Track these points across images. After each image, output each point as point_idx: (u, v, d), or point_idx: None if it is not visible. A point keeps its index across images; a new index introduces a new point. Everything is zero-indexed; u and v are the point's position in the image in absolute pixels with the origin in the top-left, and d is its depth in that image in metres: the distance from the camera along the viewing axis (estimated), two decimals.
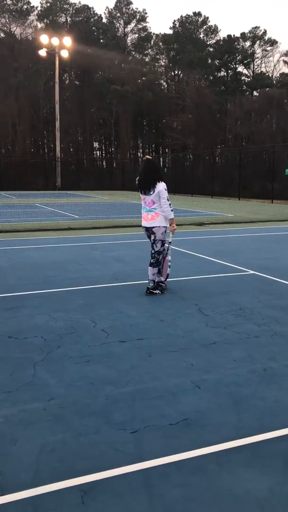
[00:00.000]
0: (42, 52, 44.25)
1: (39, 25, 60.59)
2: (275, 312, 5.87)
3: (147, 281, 6.87)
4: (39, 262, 9.12)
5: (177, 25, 65.03)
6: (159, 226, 6.68)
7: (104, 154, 68.12)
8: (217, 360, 4.39)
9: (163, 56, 66.89)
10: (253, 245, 11.55)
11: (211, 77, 63.73)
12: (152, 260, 6.77)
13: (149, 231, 6.78)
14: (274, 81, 62.72)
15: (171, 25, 65.69)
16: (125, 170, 52.09)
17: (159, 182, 6.62)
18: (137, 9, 64.76)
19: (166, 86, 66.94)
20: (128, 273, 8.15)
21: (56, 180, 45.26)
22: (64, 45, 44.23)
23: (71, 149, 63.37)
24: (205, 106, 54.29)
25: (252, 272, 8.27)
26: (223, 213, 19.94)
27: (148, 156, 7.13)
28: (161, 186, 6.62)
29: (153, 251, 6.78)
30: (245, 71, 65.61)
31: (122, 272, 8.17)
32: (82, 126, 62.37)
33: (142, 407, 3.51)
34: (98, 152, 69.67)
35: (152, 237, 6.76)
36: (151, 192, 6.62)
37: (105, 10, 65.75)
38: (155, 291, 6.72)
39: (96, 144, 68.76)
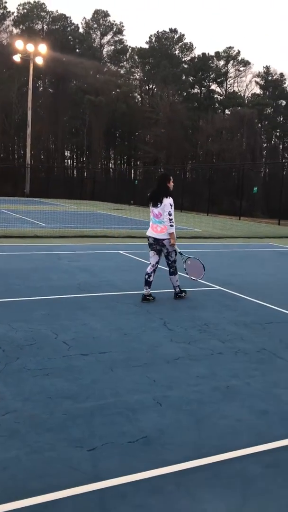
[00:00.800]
0: (17, 58, 43.86)
1: (15, 31, 60.23)
2: (239, 329, 5.88)
3: (144, 291, 7.08)
4: (1, 270, 8.89)
5: (153, 40, 65.87)
6: (168, 239, 6.99)
7: (75, 163, 67.85)
8: (180, 376, 4.33)
9: (138, 69, 67.53)
10: (220, 260, 11.64)
11: (185, 93, 64.68)
12: (171, 270, 7.17)
13: (159, 243, 7.06)
14: (246, 101, 64.23)
15: (147, 39, 66.46)
16: (96, 180, 51.99)
17: (166, 197, 6.93)
18: (114, 21, 65.12)
19: (140, 99, 67.47)
20: (94, 283, 8.04)
21: (25, 187, 44.68)
22: (39, 52, 44.00)
23: (42, 157, 62.86)
24: (178, 121, 54.98)
25: (218, 287, 8.29)
26: (191, 228, 20.07)
27: (165, 171, 7.50)
28: (167, 201, 6.92)
29: (169, 262, 7.14)
30: (218, 89, 66.98)
31: (87, 283, 8.05)
32: (54, 133, 61.99)
33: (101, 423, 3.41)
34: (69, 160, 69.33)
35: (165, 251, 7.10)
36: (159, 205, 6.96)
37: (82, 20, 65.90)
38: (181, 294, 7.30)
39: (67, 153, 68.45)
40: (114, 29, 64.87)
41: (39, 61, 44.38)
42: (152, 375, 4.31)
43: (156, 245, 7.10)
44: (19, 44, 43.39)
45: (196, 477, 2.84)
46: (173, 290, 7.34)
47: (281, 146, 67.94)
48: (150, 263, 7.22)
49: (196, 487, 2.74)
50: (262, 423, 3.54)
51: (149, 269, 7.15)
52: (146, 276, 7.08)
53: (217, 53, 64.49)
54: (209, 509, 2.56)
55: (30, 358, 4.56)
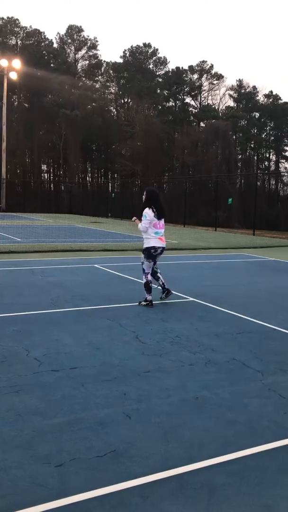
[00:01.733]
0: None
1: None
2: (211, 340, 5.96)
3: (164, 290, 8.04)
4: None
5: (127, 55, 66.66)
6: None
7: (52, 177, 67.77)
8: (150, 389, 4.37)
9: (113, 83, 68.16)
10: (195, 272, 11.76)
11: (160, 107, 65.47)
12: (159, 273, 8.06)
13: (162, 252, 7.96)
14: (220, 114, 65.29)
15: (122, 54, 67.29)
16: (73, 193, 51.98)
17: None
18: (88, 36, 65.71)
19: (115, 112, 68.00)
20: (68, 299, 8.04)
21: (0, 202, 44.40)
22: (13, 67, 44.09)
23: (18, 171, 62.64)
24: (154, 134, 55.55)
25: (191, 299, 8.38)
26: (168, 240, 20.17)
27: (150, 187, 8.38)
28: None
29: (156, 267, 8.06)
30: (192, 103, 67.98)
31: (61, 298, 8.05)
32: (30, 148, 61.94)
33: (70, 439, 3.42)
34: (46, 174, 69.25)
35: (158, 258, 8.03)
36: (163, 218, 7.91)
37: (56, 35, 66.24)
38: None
39: (44, 167, 68.38)
40: (88, 44, 65.49)
41: (14, 76, 44.46)
42: (122, 388, 4.34)
43: (160, 253, 7.95)
44: None
45: (162, 489, 2.87)
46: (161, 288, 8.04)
47: (255, 158, 69.15)
48: (149, 272, 7.90)
49: (162, 499, 2.78)
50: (229, 432, 3.60)
51: (150, 277, 7.88)
52: (151, 284, 7.83)
53: (190, 67, 65.62)
54: None
55: (0, 375, 4.54)
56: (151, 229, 7.77)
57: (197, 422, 3.75)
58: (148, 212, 7.67)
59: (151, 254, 7.82)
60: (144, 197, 7.85)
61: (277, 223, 35.19)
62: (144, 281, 7.87)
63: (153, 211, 7.70)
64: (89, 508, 2.67)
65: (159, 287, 8.09)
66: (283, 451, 3.36)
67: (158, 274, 8.04)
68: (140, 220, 7.85)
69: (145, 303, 7.72)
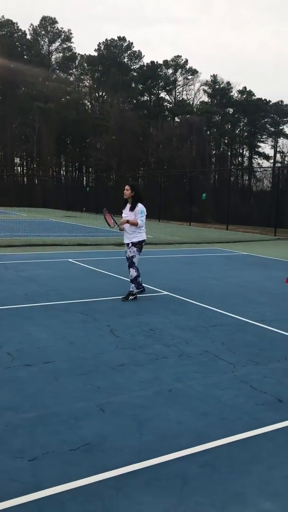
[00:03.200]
0: None
1: None
2: (185, 333, 6.01)
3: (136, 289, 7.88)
4: None
5: (102, 48, 66.09)
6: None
7: (25, 170, 66.88)
8: (124, 382, 4.39)
9: (88, 77, 67.56)
10: (169, 266, 11.82)
11: (135, 101, 65.24)
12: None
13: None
14: (195, 109, 65.47)
15: (96, 47, 66.64)
16: (46, 187, 51.43)
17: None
18: (62, 28, 64.82)
19: (90, 106, 67.46)
20: (41, 293, 7.98)
21: None
22: None
23: None
24: (128, 128, 55.31)
25: (165, 292, 8.43)
26: None
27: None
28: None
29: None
30: (167, 97, 67.94)
31: (34, 292, 7.99)
32: (2, 141, 60.91)
33: (43, 433, 3.41)
34: (19, 168, 68.29)
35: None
36: None
37: (30, 26, 65.04)
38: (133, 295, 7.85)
39: (17, 160, 67.39)
40: (62, 36, 64.65)
41: None
42: (96, 382, 4.35)
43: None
44: None
45: (135, 481, 2.90)
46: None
47: (229, 153, 69.71)
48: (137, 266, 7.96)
49: (135, 490, 2.80)
50: (201, 424, 3.65)
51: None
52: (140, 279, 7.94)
53: (165, 61, 65.50)
54: (146, 510, 2.62)
55: None
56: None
57: (171, 414, 3.79)
58: (143, 208, 7.88)
59: (142, 247, 8.06)
60: (129, 192, 7.83)
61: (249, 218, 35.60)
62: (134, 274, 7.84)
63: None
64: (62, 501, 2.67)
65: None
66: (254, 441, 3.43)
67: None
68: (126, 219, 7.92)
69: (133, 297, 7.73)
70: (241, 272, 11.19)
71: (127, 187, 7.85)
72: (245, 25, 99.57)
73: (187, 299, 7.96)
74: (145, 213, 7.93)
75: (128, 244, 8.00)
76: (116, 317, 6.68)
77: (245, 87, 67.84)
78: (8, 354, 4.99)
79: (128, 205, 7.87)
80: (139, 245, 7.96)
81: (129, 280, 7.93)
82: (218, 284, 9.54)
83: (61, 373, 4.54)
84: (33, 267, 10.70)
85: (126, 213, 7.88)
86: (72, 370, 4.63)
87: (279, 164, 63.47)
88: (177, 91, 67.50)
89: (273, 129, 68.70)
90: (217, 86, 67.58)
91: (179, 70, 66.10)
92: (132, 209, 7.77)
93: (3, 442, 3.26)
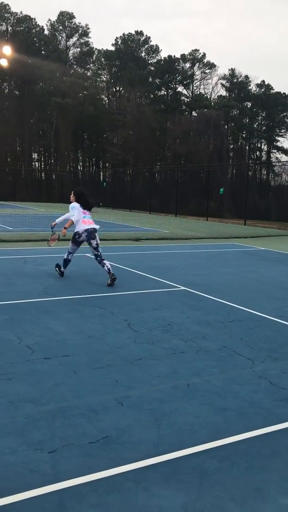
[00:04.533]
0: None
1: None
2: (202, 328, 6.00)
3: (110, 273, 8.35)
4: None
5: (119, 42, 65.93)
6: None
7: (43, 166, 67.26)
8: (142, 376, 4.41)
9: (105, 71, 67.49)
10: (186, 261, 11.79)
11: (152, 95, 65.00)
12: (102, 257, 8.53)
13: (94, 233, 8.57)
14: (212, 103, 64.98)
15: (113, 42, 66.47)
16: (64, 182, 51.66)
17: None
18: (79, 23, 64.74)
19: (107, 101, 67.44)
20: (59, 287, 8.04)
21: None
22: (4, 54, 43.45)
23: (9, 159, 62.07)
24: (145, 123, 55.19)
25: (183, 288, 8.42)
26: (159, 229, 20.23)
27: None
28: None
29: (99, 253, 8.54)
30: (184, 92, 67.54)
31: (53, 286, 8.05)
32: (21, 136, 61.30)
33: (62, 425, 3.45)
34: (37, 163, 68.70)
35: (95, 242, 8.53)
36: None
37: (47, 22, 65.11)
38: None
39: (35, 155, 67.79)
40: (80, 31, 64.60)
41: (4, 63, 43.85)
42: (114, 376, 4.37)
43: (91, 235, 8.54)
44: None
45: (153, 474, 2.91)
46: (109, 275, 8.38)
47: (247, 147, 69.10)
48: (72, 253, 8.84)
49: (153, 484, 2.82)
50: (220, 419, 3.65)
51: (71, 257, 8.90)
52: (69, 263, 8.87)
53: (182, 55, 65.08)
54: (165, 504, 2.64)
55: None
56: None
57: (189, 408, 3.80)
58: (73, 204, 8.77)
59: (76, 239, 8.70)
60: (72, 197, 8.97)
61: (268, 213, 35.26)
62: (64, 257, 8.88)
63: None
64: (82, 493, 2.70)
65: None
66: (273, 437, 3.41)
67: (104, 261, 8.48)
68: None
69: (58, 271, 8.89)
70: (259, 268, 11.11)
71: (72, 193, 9.06)
72: (264, 17, 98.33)
73: (204, 294, 7.93)
74: (75, 208, 8.68)
75: None
76: (133, 311, 6.69)
77: (263, 81, 67.10)
78: (27, 347, 5.05)
79: None
80: (73, 236, 8.77)
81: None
82: (236, 279, 9.49)
83: (80, 366, 4.57)
84: (51, 261, 10.76)
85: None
86: (90, 363, 4.66)
87: None
88: (194, 85, 67.08)
89: None
90: (235, 80, 66.95)
91: (197, 64, 65.62)
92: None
93: (23, 434, 3.30)
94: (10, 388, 4.03)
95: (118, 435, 3.35)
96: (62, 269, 8.89)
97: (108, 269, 8.37)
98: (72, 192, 9.09)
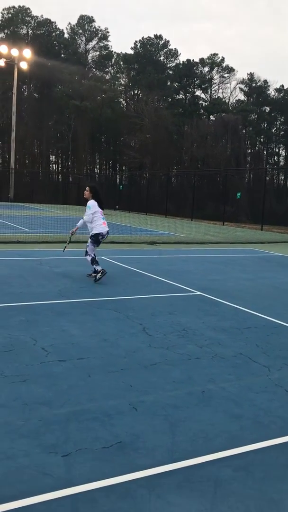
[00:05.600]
0: (1, 63, 43.76)
1: None
2: (218, 334, 5.95)
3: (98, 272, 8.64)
4: None
5: (138, 46, 66.17)
6: None
7: (60, 168, 67.71)
8: (157, 381, 4.38)
9: (123, 75, 67.77)
10: (202, 266, 11.73)
11: (170, 99, 65.06)
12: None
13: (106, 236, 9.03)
14: (230, 107, 64.78)
15: (132, 45, 66.74)
16: (80, 185, 51.90)
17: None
18: (99, 27, 65.24)
19: (125, 104, 67.69)
20: (75, 289, 8.05)
21: (9, 192, 44.47)
22: (24, 56, 43.96)
23: (27, 161, 62.63)
24: (163, 127, 55.25)
25: (198, 293, 8.37)
26: (175, 233, 20.19)
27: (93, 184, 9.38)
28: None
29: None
30: (202, 96, 67.48)
31: (68, 289, 8.06)
32: (39, 138, 61.86)
33: (76, 429, 3.43)
34: (54, 165, 69.20)
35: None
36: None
37: (67, 25, 65.99)
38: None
39: (52, 158, 68.30)
40: (99, 34, 65.07)
41: (24, 66, 44.35)
42: (128, 380, 4.35)
43: (103, 238, 9.04)
44: (3, 48, 43.30)
45: (167, 481, 2.88)
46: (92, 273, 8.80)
47: (265, 152, 68.68)
48: (94, 253, 8.91)
49: (167, 491, 2.78)
50: (235, 427, 3.60)
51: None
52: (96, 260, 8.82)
53: (201, 59, 65.04)
54: None
55: (8, 364, 4.57)
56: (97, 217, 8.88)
57: (203, 415, 3.75)
58: (91, 203, 8.79)
59: (97, 239, 8.94)
60: (87, 193, 8.91)
61: (285, 218, 34.95)
62: (89, 258, 8.79)
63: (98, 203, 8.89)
64: (94, 498, 2.68)
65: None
66: None
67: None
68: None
69: (100, 275, 8.53)
70: (276, 274, 11.00)
71: (86, 188, 8.94)
72: (285, 21, 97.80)
73: (220, 300, 7.87)
74: (93, 209, 8.76)
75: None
76: (148, 315, 6.67)
77: (282, 85, 66.69)
78: (42, 349, 5.05)
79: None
80: (94, 237, 8.89)
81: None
82: (252, 285, 9.40)
83: (94, 369, 4.56)
84: (67, 263, 10.82)
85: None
86: (105, 367, 4.64)
87: None
88: (212, 89, 66.99)
89: None
90: (253, 85, 66.64)
91: (215, 68, 65.52)
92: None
93: (37, 437, 3.30)
94: (25, 390, 4.04)
95: (132, 440, 3.32)
96: (98, 267, 8.66)
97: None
98: (88, 188, 8.96)
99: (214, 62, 64.97)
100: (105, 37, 65.23)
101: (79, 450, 3.16)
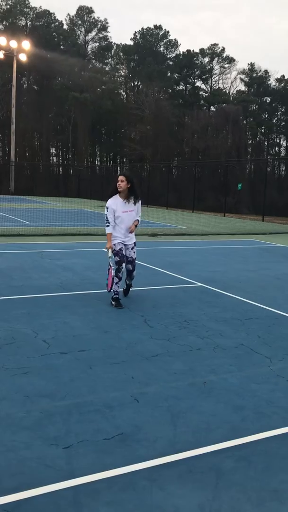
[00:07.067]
0: (0, 54, 43.46)
1: None
2: (219, 325, 5.94)
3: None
4: None
5: (138, 37, 65.67)
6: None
7: (61, 161, 67.51)
8: (158, 372, 4.37)
9: (123, 66, 67.31)
10: (203, 257, 11.70)
11: (170, 90, 64.66)
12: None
13: None
14: (231, 98, 64.39)
15: (132, 36, 66.25)
16: (81, 177, 51.81)
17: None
18: (98, 18, 64.70)
19: (125, 96, 67.32)
20: (76, 282, 8.04)
21: (9, 184, 44.37)
22: (23, 48, 43.63)
23: (27, 154, 62.43)
24: (163, 118, 54.97)
25: (199, 284, 8.35)
26: (176, 225, 20.14)
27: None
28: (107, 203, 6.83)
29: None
30: (203, 86, 67.05)
31: (69, 281, 8.05)
32: (39, 131, 61.60)
33: (78, 421, 3.43)
34: (55, 158, 68.98)
35: None
36: None
37: (66, 17, 65.44)
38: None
39: (53, 150, 68.08)
40: (99, 25, 64.53)
41: (23, 57, 44.03)
42: (130, 372, 4.34)
43: None
44: (2, 40, 42.95)
45: (169, 473, 2.88)
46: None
47: (266, 143, 68.35)
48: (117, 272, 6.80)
49: (169, 482, 2.78)
50: (237, 418, 3.60)
51: None
52: None
53: (201, 50, 64.56)
54: (180, 504, 2.60)
55: (9, 357, 4.56)
56: None
57: (205, 406, 3.75)
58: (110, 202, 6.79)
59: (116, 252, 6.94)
60: (124, 183, 6.69)
61: (286, 209, 34.87)
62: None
63: None
64: (96, 490, 2.68)
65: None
66: None
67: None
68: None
69: (113, 302, 6.68)
70: (277, 265, 10.97)
71: (121, 177, 6.70)
72: (286, 11, 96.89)
73: (221, 291, 7.86)
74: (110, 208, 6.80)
75: (131, 245, 6.85)
76: (149, 307, 6.66)
77: (283, 75, 66.20)
78: (44, 341, 5.05)
79: (124, 200, 6.73)
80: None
81: (130, 283, 7.06)
82: (254, 276, 9.38)
83: (96, 361, 4.56)
84: (68, 256, 10.80)
85: (126, 209, 6.71)
86: (106, 359, 4.64)
87: None
88: (213, 80, 66.55)
89: None
90: (254, 75, 66.17)
91: (216, 59, 65.06)
92: (135, 202, 6.79)
93: (38, 429, 3.30)
94: (26, 382, 4.03)
95: (134, 432, 3.32)
96: (115, 289, 6.65)
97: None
98: (125, 178, 6.75)
99: (214, 52, 64.50)
100: (104, 28, 64.75)
101: (80, 442, 3.16)
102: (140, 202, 6.90)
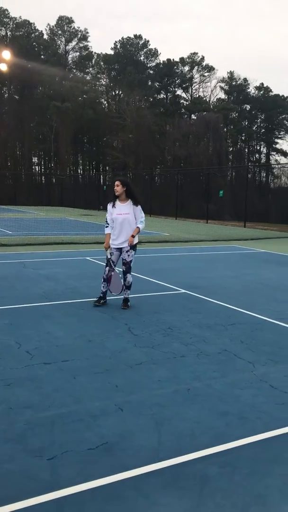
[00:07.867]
0: None
1: None
2: (203, 331, 5.96)
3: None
4: None
5: (118, 46, 66.10)
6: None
7: (43, 170, 67.30)
8: (143, 380, 4.37)
9: (104, 75, 67.61)
10: (186, 264, 11.76)
11: (151, 99, 65.13)
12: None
13: None
14: (211, 106, 65.10)
15: (113, 45, 66.65)
16: (64, 186, 51.70)
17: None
18: (78, 27, 64.97)
19: (106, 105, 67.55)
20: (59, 291, 8.00)
21: None
22: (3, 58, 43.52)
23: (9, 163, 62.11)
24: (145, 126, 55.28)
25: (183, 291, 8.38)
26: (159, 232, 20.20)
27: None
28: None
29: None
30: (183, 95, 67.69)
31: (52, 291, 8.01)
32: (20, 140, 61.38)
33: (62, 431, 3.41)
34: (37, 167, 68.75)
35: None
36: None
37: (47, 26, 65.33)
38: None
39: (35, 159, 67.85)
40: (79, 35, 64.77)
41: (3, 67, 43.92)
42: (114, 381, 4.33)
43: None
44: None
45: (154, 481, 2.87)
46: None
47: (246, 150, 69.16)
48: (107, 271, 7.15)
49: (154, 491, 2.77)
50: (221, 424, 3.61)
51: None
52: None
53: (181, 59, 65.22)
54: None
55: None
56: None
57: (189, 413, 3.76)
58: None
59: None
60: (120, 187, 6.88)
61: (267, 215, 35.25)
62: (131, 280, 7.21)
63: None
64: (81, 501, 2.66)
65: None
66: (275, 442, 3.37)
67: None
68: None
69: (96, 300, 7.12)
70: (259, 270, 11.07)
71: (116, 182, 6.90)
72: (264, 21, 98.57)
73: (204, 297, 7.90)
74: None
75: (126, 248, 7.07)
76: (133, 315, 6.66)
77: (262, 83, 67.25)
78: (27, 352, 5.01)
79: (120, 203, 6.97)
80: (135, 247, 7.21)
81: (126, 286, 7.10)
82: (236, 282, 9.45)
83: (80, 371, 4.53)
84: (51, 265, 10.75)
85: (120, 211, 6.91)
86: (90, 368, 4.62)
87: None
88: (193, 88, 67.23)
89: None
90: (233, 83, 67.08)
91: (196, 67, 65.80)
92: (136, 204, 6.98)
93: (22, 441, 3.26)
94: (9, 393, 3.99)
95: (118, 441, 3.31)
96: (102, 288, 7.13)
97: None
98: (120, 182, 6.92)
99: (194, 61, 65.24)
100: (84, 37, 65.00)
101: (65, 452, 3.14)
102: (139, 207, 7.08)
